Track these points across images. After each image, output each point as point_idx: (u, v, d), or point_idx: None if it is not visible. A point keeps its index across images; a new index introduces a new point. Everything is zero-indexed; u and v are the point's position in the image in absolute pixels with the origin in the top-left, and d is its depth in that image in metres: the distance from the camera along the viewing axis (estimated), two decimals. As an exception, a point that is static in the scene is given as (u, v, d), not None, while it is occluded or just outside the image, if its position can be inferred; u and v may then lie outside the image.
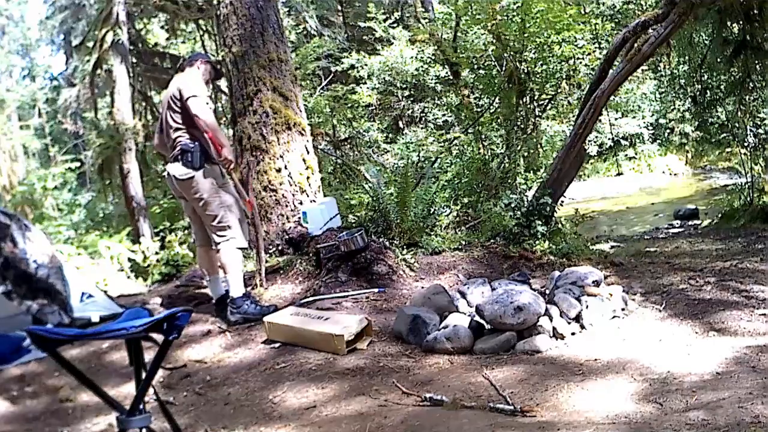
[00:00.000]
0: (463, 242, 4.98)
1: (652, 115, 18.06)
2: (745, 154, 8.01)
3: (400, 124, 16.17)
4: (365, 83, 14.42)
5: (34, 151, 21.71)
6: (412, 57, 13.73)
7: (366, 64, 14.23)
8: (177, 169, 3.87)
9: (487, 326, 3.34)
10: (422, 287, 4.16)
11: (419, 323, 3.41)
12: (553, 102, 8.45)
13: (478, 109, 9.40)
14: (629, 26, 5.66)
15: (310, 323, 3.50)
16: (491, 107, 8.49)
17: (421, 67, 13.72)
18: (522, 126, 7.66)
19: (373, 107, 14.88)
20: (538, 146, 8.43)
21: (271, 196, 5.53)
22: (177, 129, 3.88)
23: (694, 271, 4.32)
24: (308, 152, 5.84)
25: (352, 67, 14.28)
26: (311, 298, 4.17)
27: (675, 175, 17.17)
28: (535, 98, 7.92)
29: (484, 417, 2.32)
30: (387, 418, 2.46)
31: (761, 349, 2.73)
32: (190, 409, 2.88)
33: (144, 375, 1.74)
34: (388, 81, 14.68)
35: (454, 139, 9.61)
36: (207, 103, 3.90)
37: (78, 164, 16.60)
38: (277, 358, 3.37)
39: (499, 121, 8.23)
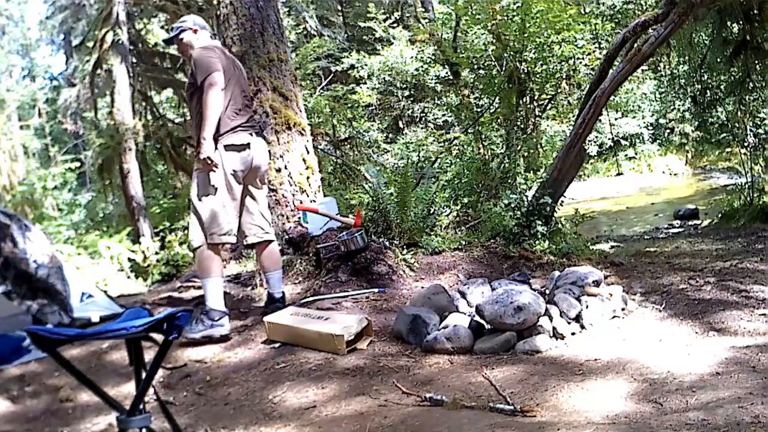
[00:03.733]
0: (463, 242, 4.97)
1: (652, 115, 18.09)
2: (745, 154, 8.02)
3: (400, 124, 16.21)
4: (365, 83, 14.46)
5: (34, 151, 21.73)
6: (412, 57, 13.76)
7: (366, 64, 14.26)
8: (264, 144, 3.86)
9: (487, 326, 3.34)
10: (422, 287, 4.16)
11: (419, 323, 3.41)
12: (553, 102, 8.46)
13: (478, 109, 9.40)
14: (629, 26, 5.66)
15: (310, 323, 3.50)
16: (491, 107, 8.49)
17: (421, 67, 13.75)
18: (522, 126, 7.67)
19: (373, 107, 14.92)
20: (538, 146, 8.43)
21: (271, 196, 5.52)
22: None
23: (694, 271, 4.31)
24: (308, 152, 5.84)
25: (352, 67, 14.31)
26: (311, 298, 4.17)
27: (675, 175, 17.19)
28: (535, 98, 7.93)
29: (484, 417, 2.32)
30: (387, 418, 2.46)
31: (761, 349, 2.73)
32: (190, 409, 2.88)
33: (144, 375, 1.74)
34: (388, 81, 14.72)
35: (454, 139, 9.62)
36: None
37: (78, 164, 16.65)
38: (277, 358, 3.37)
39: (499, 121, 8.24)
